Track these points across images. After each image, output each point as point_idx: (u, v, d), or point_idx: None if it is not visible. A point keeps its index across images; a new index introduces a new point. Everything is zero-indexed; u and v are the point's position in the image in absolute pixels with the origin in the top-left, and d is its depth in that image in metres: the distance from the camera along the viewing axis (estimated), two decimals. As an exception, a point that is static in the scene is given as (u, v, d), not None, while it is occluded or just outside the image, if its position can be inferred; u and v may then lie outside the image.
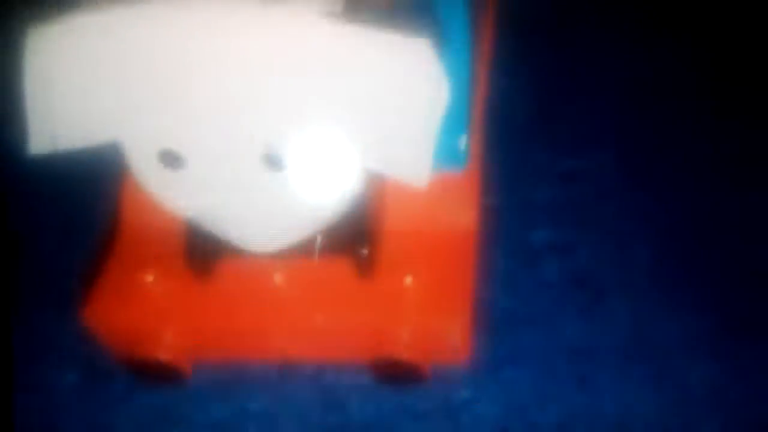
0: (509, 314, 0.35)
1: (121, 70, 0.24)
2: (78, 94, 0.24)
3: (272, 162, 0.26)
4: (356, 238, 0.31)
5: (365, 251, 0.31)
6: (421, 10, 0.29)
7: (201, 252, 0.31)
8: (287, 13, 0.24)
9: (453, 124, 0.28)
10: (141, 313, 0.31)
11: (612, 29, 0.45)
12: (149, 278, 0.31)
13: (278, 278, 0.32)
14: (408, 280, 0.31)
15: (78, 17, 0.24)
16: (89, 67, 0.24)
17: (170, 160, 0.26)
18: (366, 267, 0.31)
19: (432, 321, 0.31)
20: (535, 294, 0.36)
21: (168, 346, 0.31)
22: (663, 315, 0.35)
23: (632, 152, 0.40)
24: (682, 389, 0.33)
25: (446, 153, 0.28)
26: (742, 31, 0.41)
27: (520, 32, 0.43)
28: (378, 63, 0.24)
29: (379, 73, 0.24)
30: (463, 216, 0.33)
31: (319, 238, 0.30)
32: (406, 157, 0.25)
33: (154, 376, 0.32)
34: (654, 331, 0.35)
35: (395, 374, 0.32)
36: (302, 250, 0.30)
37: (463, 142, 0.32)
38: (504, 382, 0.33)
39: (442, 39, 0.27)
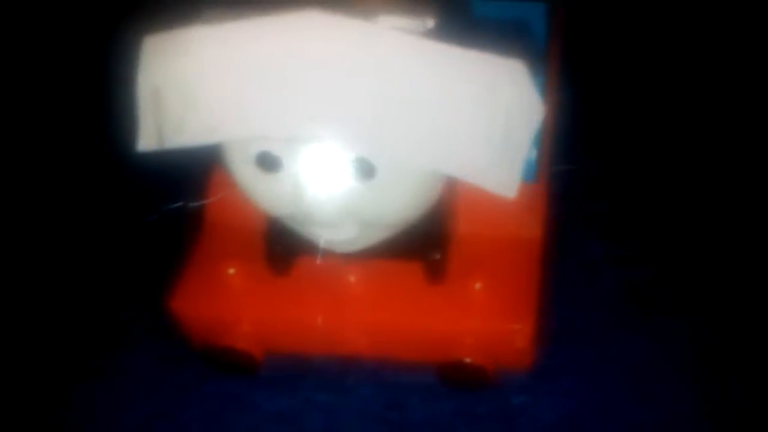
0: (570, 324, 0.36)
1: (226, 78, 0.25)
2: (185, 99, 0.25)
3: (363, 169, 0.27)
4: (429, 243, 0.32)
5: (437, 256, 0.32)
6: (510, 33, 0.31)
7: (280, 249, 0.32)
8: (388, 29, 0.25)
9: None
10: (222, 304, 0.33)
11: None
12: (231, 271, 0.33)
13: (352, 278, 0.33)
14: (477, 285, 0.32)
15: (190, 29, 0.25)
16: (197, 75, 0.25)
17: (267, 162, 0.27)
18: (437, 271, 0.33)
19: (498, 326, 0.32)
20: (595, 305, 0.37)
21: (244, 336, 0.33)
22: (720, 331, 0.36)
23: (693, 169, 0.41)
24: (737, 406, 0.33)
25: None
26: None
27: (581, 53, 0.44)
28: (477, 80, 0.25)
29: (478, 90, 0.25)
30: (530, 226, 0.34)
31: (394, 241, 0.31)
32: (498, 170, 0.26)
33: (228, 364, 0.34)
34: (710, 347, 0.35)
35: (460, 377, 0.33)
36: (378, 252, 0.31)
37: (533, 155, 0.34)
38: (561, 392, 0.34)
39: (535, 62, 0.28)
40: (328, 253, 0.31)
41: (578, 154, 0.41)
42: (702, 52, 0.46)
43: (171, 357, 0.36)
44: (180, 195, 0.32)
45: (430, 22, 0.26)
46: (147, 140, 0.26)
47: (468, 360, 0.32)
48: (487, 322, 0.32)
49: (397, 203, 0.28)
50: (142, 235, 0.39)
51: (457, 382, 0.33)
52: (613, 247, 0.39)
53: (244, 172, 0.28)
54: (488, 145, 0.25)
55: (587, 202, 0.41)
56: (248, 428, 0.34)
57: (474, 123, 0.25)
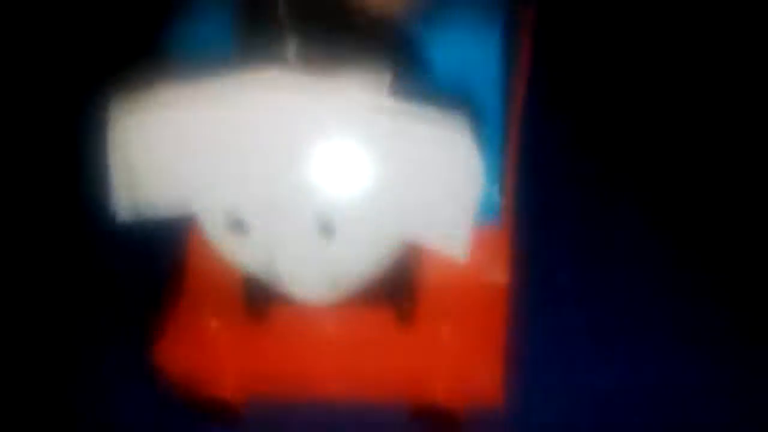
0: (538, 360, 0.37)
1: (190, 155, 0.27)
2: (156, 172, 0.28)
3: (325, 229, 0.29)
4: (397, 291, 0.34)
5: (406, 303, 0.34)
6: (458, 82, 0.32)
7: (258, 300, 0.34)
8: (342, 96, 0.27)
9: (487, 177, 0.30)
10: (204, 355, 0.34)
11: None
12: (213, 323, 0.34)
13: (326, 325, 0.35)
14: (445, 329, 0.34)
15: (155, 103, 0.27)
16: (166, 148, 0.27)
17: (236, 226, 0.29)
18: (406, 317, 0.34)
19: (466, 368, 0.34)
20: (561, 339, 0.38)
21: (226, 384, 0.35)
22: (684, 361, 0.37)
23: (663, 203, 0.42)
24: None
25: (480, 205, 0.31)
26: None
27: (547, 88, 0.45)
28: (420, 139, 0.27)
29: (421, 149, 0.27)
30: (496, 270, 0.36)
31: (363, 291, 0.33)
32: (445, 231, 0.28)
33: (213, 411, 0.36)
34: (677, 377, 0.37)
35: (432, 418, 0.34)
36: (349, 300, 0.33)
37: (495, 193, 0.35)
38: (534, 427, 0.36)
39: (478, 114, 0.29)
40: (304, 304, 0.33)
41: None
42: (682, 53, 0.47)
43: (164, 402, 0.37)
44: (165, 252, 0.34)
45: (386, 88, 0.28)
46: (123, 211, 0.28)
47: (438, 401, 0.34)
48: (454, 364, 0.34)
49: (361, 259, 0.30)
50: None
51: (430, 423, 0.35)
52: (582, 277, 0.40)
53: (216, 236, 0.30)
54: (439, 210, 0.27)
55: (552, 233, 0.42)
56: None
57: (424, 189, 0.27)
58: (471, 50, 0.33)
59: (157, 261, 0.35)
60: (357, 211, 0.28)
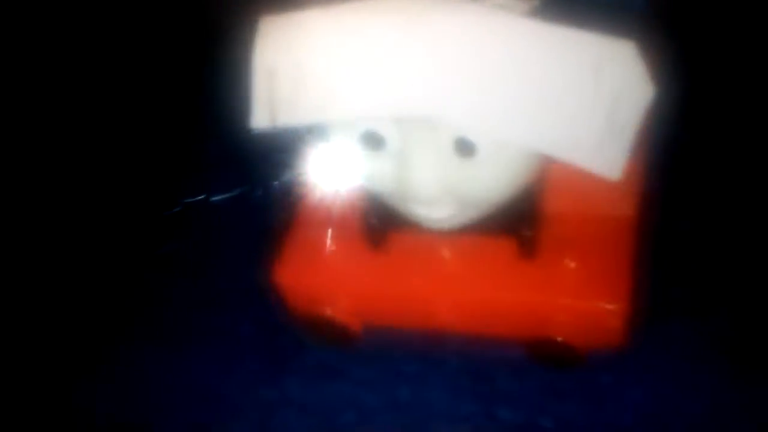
0: (667, 303, 0.36)
1: (336, 61, 0.26)
2: (297, 81, 0.27)
3: (463, 148, 0.28)
4: (521, 220, 0.33)
5: (529, 232, 0.33)
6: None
7: (377, 224, 0.34)
8: (492, 10, 0.26)
9: None
10: (322, 277, 0.34)
11: None
12: (331, 246, 0.34)
13: (446, 253, 0.34)
14: (569, 263, 0.33)
15: (303, 13, 0.27)
16: (309, 58, 0.27)
17: (372, 140, 0.28)
18: (529, 248, 0.33)
19: (590, 306, 0.32)
20: (690, 283, 0.36)
21: (343, 308, 0.34)
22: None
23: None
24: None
25: None
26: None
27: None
28: (583, 61, 0.25)
29: (584, 71, 0.25)
30: (623, 205, 0.34)
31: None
32: (603, 152, 0.26)
33: (327, 334, 0.35)
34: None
35: (550, 355, 0.33)
36: (472, 228, 0.32)
37: None
38: (651, 371, 0.34)
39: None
40: (424, 229, 0.32)
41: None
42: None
43: (270, 324, 0.38)
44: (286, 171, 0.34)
45: (535, 1, 0.26)
46: (260, 118, 0.28)
47: (559, 338, 0.33)
48: (579, 300, 0.32)
49: (495, 182, 0.29)
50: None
51: (546, 360, 0.34)
52: (705, 222, 0.38)
53: (349, 148, 0.29)
54: (593, 126, 0.26)
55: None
56: (342, 394, 0.36)
57: (579, 104, 0.25)
58: None
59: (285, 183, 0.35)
60: (501, 131, 0.26)
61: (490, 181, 0.29)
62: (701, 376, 0.34)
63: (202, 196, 0.32)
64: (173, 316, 0.39)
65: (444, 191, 0.29)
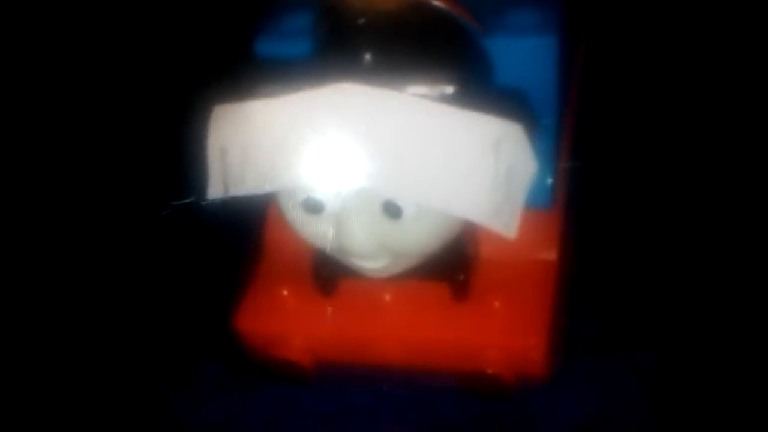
0: (587, 337, 0.39)
1: (279, 141, 0.31)
2: (246, 157, 0.32)
3: (391, 210, 0.32)
4: (453, 266, 0.37)
5: (461, 277, 0.37)
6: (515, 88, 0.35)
7: (326, 273, 0.38)
8: (411, 97, 0.30)
9: (541, 166, 0.33)
10: (279, 322, 0.38)
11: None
12: (285, 293, 0.38)
13: (387, 297, 0.38)
14: (496, 303, 0.37)
15: (251, 101, 0.31)
16: (256, 138, 0.31)
17: (312, 206, 0.33)
18: (461, 291, 0.37)
19: (515, 340, 0.36)
20: (612, 318, 0.40)
21: (296, 349, 0.38)
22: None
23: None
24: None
25: (535, 191, 0.34)
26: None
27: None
28: (484, 140, 0.30)
29: (485, 148, 0.30)
30: (545, 249, 0.38)
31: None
32: (501, 215, 0.31)
33: (283, 373, 0.39)
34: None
35: (481, 387, 0.37)
36: (409, 274, 0.36)
37: (549, 182, 0.38)
38: (578, 399, 0.38)
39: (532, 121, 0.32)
40: (367, 277, 0.36)
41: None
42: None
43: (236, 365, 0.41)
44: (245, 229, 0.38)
45: (449, 89, 0.31)
46: (215, 189, 0.32)
47: (489, 371, 0.37)
48: (505, 336, 0.36)
49: (422, 237, 0.34)
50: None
51: (478, 391, 0.37)
52: (635, 264, 0.41)
53: (292, 214, 0.33)
54: (493, 193, 0.30)
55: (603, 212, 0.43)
56: (298, 427, 0.39)
57: (482, 175, 0.30)
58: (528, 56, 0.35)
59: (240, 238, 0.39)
60: (418, 195, 0.31)
61: (418, 236, 0.33)
62: (623, 408, 0.37)
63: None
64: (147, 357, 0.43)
65: (377, 246, 0.33)
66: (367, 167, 0.31)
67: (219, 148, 0.32)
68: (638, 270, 0.42)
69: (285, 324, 0.38)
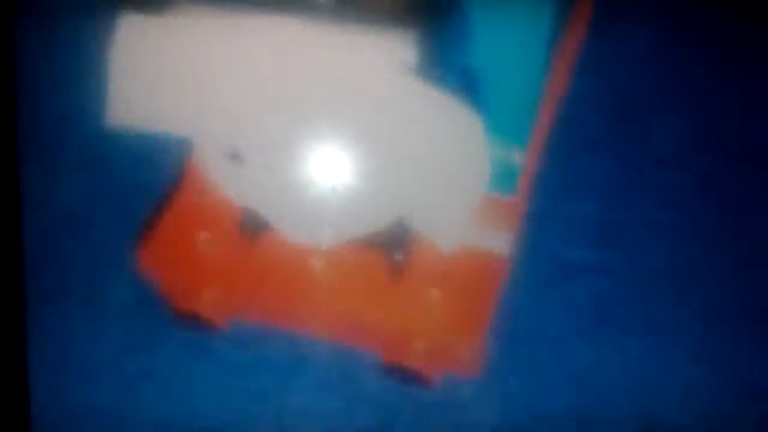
0: (526, 331, 0.36)
1: (202, 72, 0.26)
2: (160, 86, 0.26)
3: (324, 182, 0.28)
4: (394, 244, 0.33)
5: (400, 257, 0.33)
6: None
7: (252, 222, 0.34)
8: (360, 55, 0.25)
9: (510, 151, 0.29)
10: (189, 267, 0.34)
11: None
12: (203, 236, 0.34)
13: (317, 261, 0.34)
14: (434, 291, 0.33)
15: (172, 15, 0.26)
16: (176, 64, 0.26)
17: (234, 157, 0.28)
18: (398, 272, 0.34)
19: (446, 335, 0.33)
20: (557, 314, 0.37)
21: (207, 302, 0.35)
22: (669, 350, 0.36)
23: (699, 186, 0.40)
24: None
25: (499, 172, 0.30)
26: None
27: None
28: (436, 125, 0.25)
29: (429, 131, 0.25)
30: (497, 241, 0.34)
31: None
32: (441, 220, 0.26)
33: (193, 322, 0.36)
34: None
35: (403, 375, 0.34)
36: (347, 245, 0.32)
37: (517, 167, 0.34)
38: (509, 393, 0.35)
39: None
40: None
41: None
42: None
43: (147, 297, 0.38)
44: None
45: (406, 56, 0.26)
46: (117, 116, 0.27)
47: (411, 364, 0.33)
48: (435, 329, 0.33)
49: (358, 218, 0.29)
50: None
51: (400, 378, 0.35)
52: (592, 253, 0.39)
53: (211, 165, 0.29)
54: (433, 194, 0.26)
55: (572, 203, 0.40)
56: (207, 375, 0.36)
57: (428, 175, 0.26)
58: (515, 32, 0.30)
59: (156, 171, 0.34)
60: (355, 179, 0.27)
61: (354, 215, 0.29)
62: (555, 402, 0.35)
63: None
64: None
65: (307, 217, 0.29)
66: (302, 128, 0.26)
67: (129, 69, 0.26)
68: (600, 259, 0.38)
69: (197, 271, 0.34)
